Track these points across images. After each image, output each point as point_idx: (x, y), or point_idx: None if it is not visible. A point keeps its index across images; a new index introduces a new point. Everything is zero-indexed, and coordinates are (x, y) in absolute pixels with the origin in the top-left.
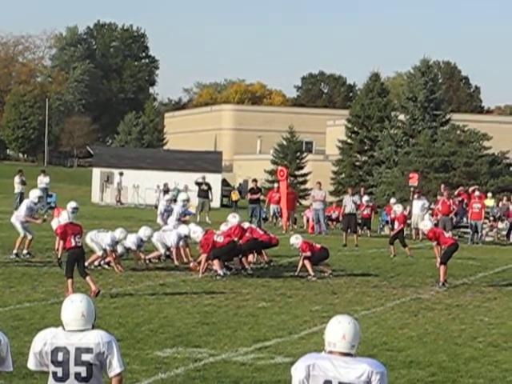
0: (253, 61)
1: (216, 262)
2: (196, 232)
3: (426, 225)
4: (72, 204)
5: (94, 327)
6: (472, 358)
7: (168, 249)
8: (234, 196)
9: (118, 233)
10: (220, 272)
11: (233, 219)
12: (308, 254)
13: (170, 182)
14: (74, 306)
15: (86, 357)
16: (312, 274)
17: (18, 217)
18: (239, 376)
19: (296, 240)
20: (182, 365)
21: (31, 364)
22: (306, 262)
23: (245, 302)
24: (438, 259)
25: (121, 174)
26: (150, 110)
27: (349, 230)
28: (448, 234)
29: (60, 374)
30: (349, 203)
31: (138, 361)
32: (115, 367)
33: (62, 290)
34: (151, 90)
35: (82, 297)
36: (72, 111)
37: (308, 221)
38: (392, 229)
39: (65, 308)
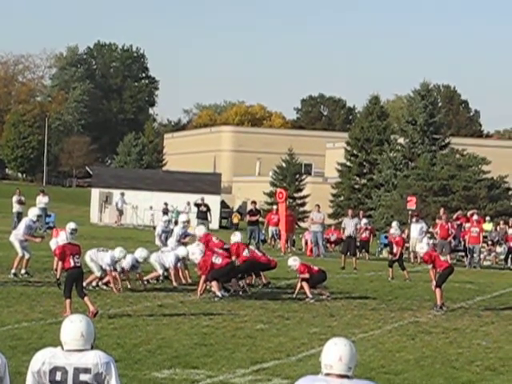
0: (253, 83)
1: (214, 283)
2: (195, 253)
3: (422, 247)
4: (71, 225)
5: (92, 347)
6: (469, 382)
7: (166, 270)
8: (236, 218)
9: (118, 252)
10: (218, 294)
11: (233, 237)
12: (306, 275)
13: (169, 202)
14: (74, 326)
15: (84, 377)
16: (310, 296)
17: (16, 235)
18: None
19: (294, 262)
20: None
21: (29, 383)
22: (304, 284)
23: (243, 324)
24: (434, 282)
25: (122, 194)
26: (149, 131)
27: (348, 253)
28: (444, 258)
29: None
30: (349, 226)
31: (135, 381)
32: None
33: (60, 309)
34: (151, 111)
35: (82, 317)
36: (71, 131)
37: (306, 243)
38: (391, 252)
39: (64, 328)
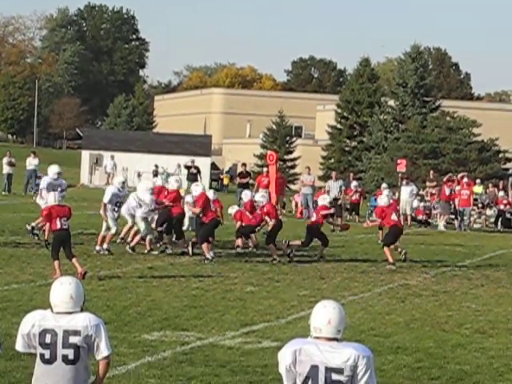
0: (244, 45)
1: (205, 245)
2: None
3: (383, 199)
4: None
5: (82, 310)
6: (459, 345)
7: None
8: (226, 180)
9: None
10: (208, 256)
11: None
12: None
13: (159, 165)
14: (63, 289)
15: (73, 339)
16: (250, 244)
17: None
18: (226, 360)
19: (231, 210)
20: (170, 348)
21: (19, 346)
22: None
23: (233, 286)
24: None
25: (112, 157)
26: (139, 93)
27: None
28: (394, 217)
29: (47, 356)
30: (333, 188)
31: (125, 344)
32: (103, 350)
33: (50, 271)
34: (141, 73)
35: (72, 279)
36: (62, 93)
37: (297, 205)
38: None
39: (54, 290)
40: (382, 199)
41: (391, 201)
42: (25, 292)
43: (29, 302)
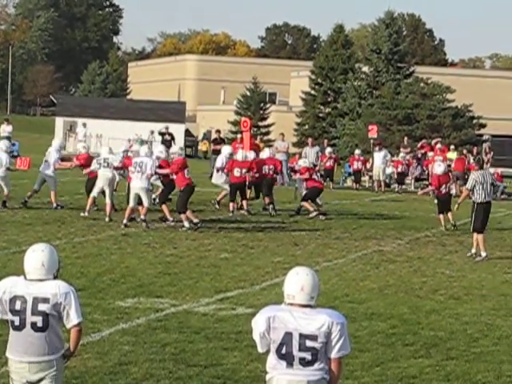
0: (217, 11)
1: (184, 215)
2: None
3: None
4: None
5: (56, 278)
6: (433, 311)
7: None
8: (204, 146)
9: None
10: (186, 224)
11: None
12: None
13: (132, 132)
14: (36, 256)
15: (42, 307)
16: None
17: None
18: (201, 326)
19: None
20: (144, 315)
21: None
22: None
23: (207, 253)
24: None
25: (84, 124)
26: (113, 60)
27: None
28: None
29: (17, 323)
30: (310, 155)
31: (99, 310)
32: (72, 318)
33: (24, 238)
34: (115, 40)
35: (45, 246)
36: (35, 60)
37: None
38: (355, 181)
39: (27, 257)
40: (440, 167)
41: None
42: None
43: (2, 269)
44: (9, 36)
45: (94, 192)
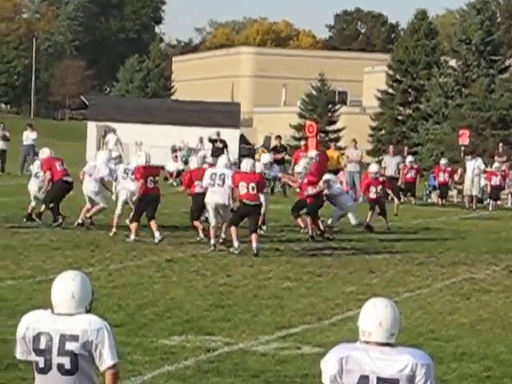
0: None
1: (233, 229)
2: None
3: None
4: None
5: (89, 312)
6: None
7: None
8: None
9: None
10: (236, 244)
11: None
12: None
13: (178, 138)
14: (65, 285)
15: (70, 345)
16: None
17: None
18: (259, 369)
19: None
20: (193, 355)
21: (17, 352)
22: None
23: (266, 282)
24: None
25: (114, 130)
26: (155, 53)
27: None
28: None
29: (42, 365)
30: (390, 165)
31: (140, 350)
32: (106, 359)
33: (51, 265)
34: (157, 30)
35: (75, 274)
36: (63, 54)
37: (342, 185)
38: (441, 196)
39: (54, 287)
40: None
41: None
42: (22, 289)
43: (27, 301)
44: (32, 26)
45: (118, 210)
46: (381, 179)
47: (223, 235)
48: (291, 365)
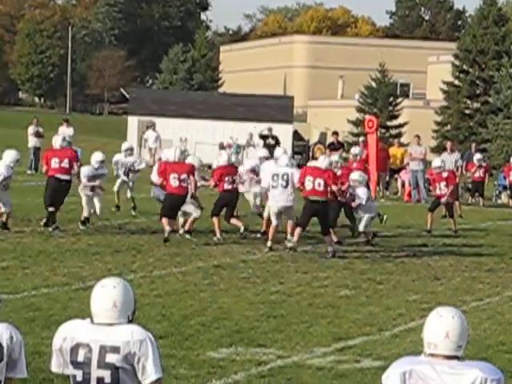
0: None
1: (298, 231)
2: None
3: None
4: (97, 157)
5: (131, 321)
6: None
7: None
8: (319, 151)
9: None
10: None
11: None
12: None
13: (226, 134)
14: (106, 294)
15: (111, 358)
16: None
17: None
18: (315, 383)
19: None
20: (242, 369)
21: (53, 365)
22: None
23: (322, 290)
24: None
25: (151, 126)
26: (201, 42)
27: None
28: None
29: (79, 379)
30: (447, 163)
31: (185, 363)
32: (150, 373)
33: (88, 271)
34: (203, 17)
35: (118, 282)
36: (102, 43)
37: (404, 185)
38: None
39: (94, 295)
40: None
41: None
42: (57, 298)
43: (62, 310)
44: (68, 13)
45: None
46: (444, 175)
47: (292, 239)
48: (349, 379)
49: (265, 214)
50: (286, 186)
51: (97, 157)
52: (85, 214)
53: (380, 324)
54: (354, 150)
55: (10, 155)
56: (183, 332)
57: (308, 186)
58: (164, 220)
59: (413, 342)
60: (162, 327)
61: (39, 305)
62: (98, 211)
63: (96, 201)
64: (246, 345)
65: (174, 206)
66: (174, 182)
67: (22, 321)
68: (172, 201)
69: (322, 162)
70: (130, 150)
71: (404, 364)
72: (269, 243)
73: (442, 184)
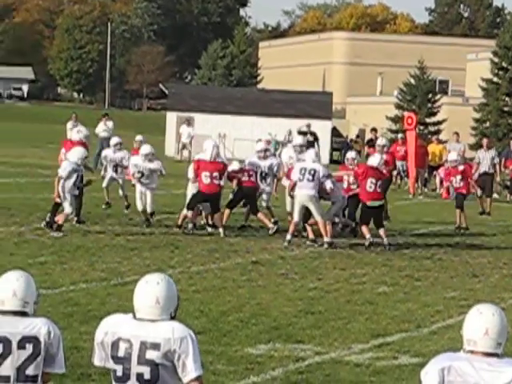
0: None
1: (365, 228)
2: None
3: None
4: (146, 149)
5: (173, 318)
6: None
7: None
8: (357, 147)
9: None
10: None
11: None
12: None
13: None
14: (149, 289)
15: (151, 354)
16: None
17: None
18: (353, 380)
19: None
20: (280, 365)
21: (95, 358)
22: None
23: (360, 286)
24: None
25: (187, 122)
26: (240, 38)
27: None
28: None
29: (119, 373)
30: (484, 160)
31: (223, 359)
32: (190, 370)
33: (127, 267)
34: (242, 13)
35: (161, 278)
36: (141, 39)
37: (442, 182)
38: None
39: (138, 290)
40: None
41: None
42: (95, 293)
43: (101, 305)
44: (107, 9)
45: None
46: (460, 168)
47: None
48: (387, 376)
49: (287, 209)
50: (312, 180)
51: (144, 150)
52: (138, 208)
53: (418, 321)
54: (350, 154)
55: (79, 152)
56: (221, 328)
57: (370, 188)
58: (188, 213)
59: (451, 339)
60: (200, 323)
61: (77, 300)
62: (149, 209)
63: (148, 196)
64: (283, 341)
65: (201, 202)
66: (205, 179)
67: (61, 316)
68: (201, 197)
69: (376, 160)
70: (119, 145)
71: (443, 360)
72: (288, 237)
73: (458, 177)
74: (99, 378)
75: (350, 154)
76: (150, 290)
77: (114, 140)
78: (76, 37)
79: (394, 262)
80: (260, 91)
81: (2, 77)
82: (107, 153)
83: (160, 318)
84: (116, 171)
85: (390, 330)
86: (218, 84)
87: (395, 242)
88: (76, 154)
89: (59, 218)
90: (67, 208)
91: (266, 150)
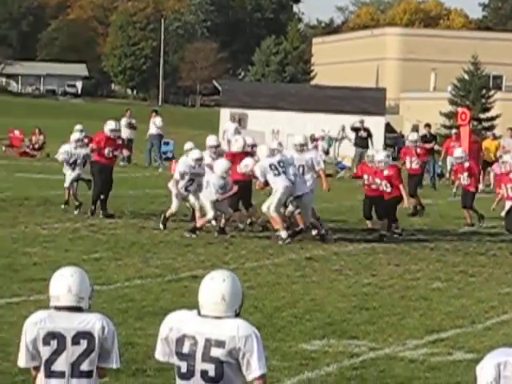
0: None
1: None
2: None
3: None
4: (195, 154)
5: (238, 315)
6: None
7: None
8: None
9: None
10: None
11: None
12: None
13: (318, 126)
14: (214, 286)
15: (215, 352)
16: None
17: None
18: (408, 376)
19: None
20: (335, 361)
21: (158, 353)
22: None
23: (415, 282)
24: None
25: (233, 118)
26: (293, 35)
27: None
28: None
29: (184, 370)
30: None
31: (278, 355)
32: (254, 369)
33: (181, 263)
34: (295, 9)
35: (227, 275)
36: (194, 35)
37: (495, 177)
38: None
39: (203, 286)
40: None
41: None
42: (150, 289)
43: (155, 302)
44: (161, 5)
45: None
46: (466, 165)
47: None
48: (442, 372)
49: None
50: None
51: (194, 154)
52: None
53: (472, 316)
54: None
55: (194, 154)
56: (275, 324)
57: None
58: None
59: (505, 335)
60: (255, 319)
61: (132, 296)
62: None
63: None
64: (338, 337)
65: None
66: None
67: (115, 312)
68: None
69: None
70: (81, 142)
71: (499, 355)
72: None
73: (465, 174)
74: (154, 374)
75: (380, 157)
76: (216, 287)
77: (75, 136)
78: (130, 33)
79: (448, 258)
80: (313, 87)
81: (56, 74)
82: (68, 148)
83: (225, 315)
84: (73, 168)
85: (445, 326)
86: (272, 80)
87: (447, 236)
88: (220, 167)
89: (200, 222)
90: (210, 213)
91: (303, 145)
